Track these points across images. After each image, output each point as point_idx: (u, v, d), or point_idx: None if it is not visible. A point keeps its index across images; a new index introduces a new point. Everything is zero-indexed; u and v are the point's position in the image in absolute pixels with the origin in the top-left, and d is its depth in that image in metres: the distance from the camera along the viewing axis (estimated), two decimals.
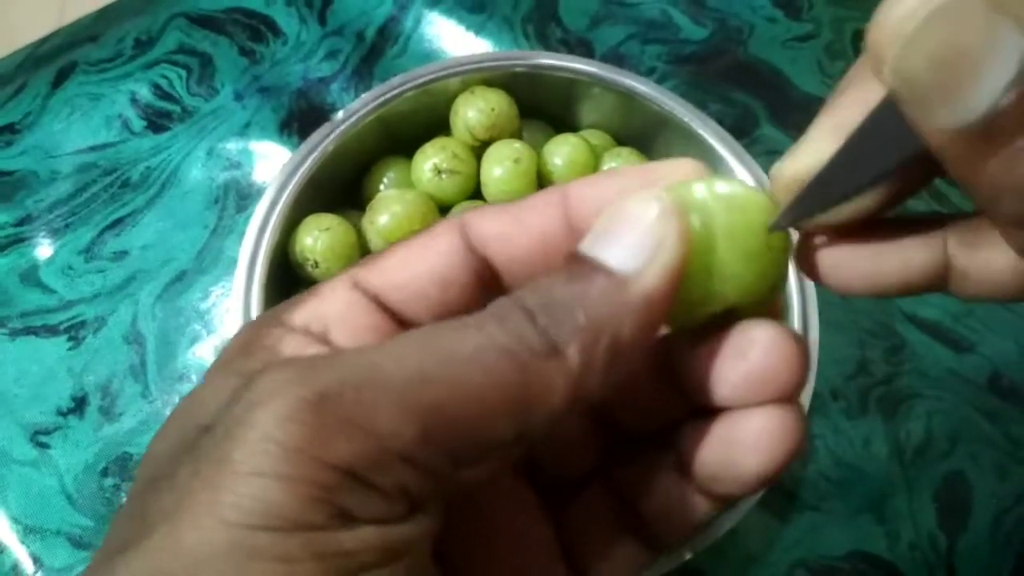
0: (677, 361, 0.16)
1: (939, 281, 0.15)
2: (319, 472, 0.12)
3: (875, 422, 0.39)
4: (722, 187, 0.15)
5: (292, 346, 0.15)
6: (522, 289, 0.14)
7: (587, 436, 0.18)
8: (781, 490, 0.37)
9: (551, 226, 0.16)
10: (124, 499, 0.36)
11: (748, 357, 0.15)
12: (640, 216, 0.14)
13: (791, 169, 0.15)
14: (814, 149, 0.15)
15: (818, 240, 0.16)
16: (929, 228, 0.15)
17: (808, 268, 0.16)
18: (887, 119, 0.13)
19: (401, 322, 0.16)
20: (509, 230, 0.16)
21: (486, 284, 0.17)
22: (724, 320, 0.15)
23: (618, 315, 0.14)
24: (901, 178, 0.15)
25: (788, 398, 0.15)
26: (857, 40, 0.49)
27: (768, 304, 0.16)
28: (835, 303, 0.41)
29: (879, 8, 0.12)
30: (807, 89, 0.47)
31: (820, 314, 0.34)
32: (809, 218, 0.15)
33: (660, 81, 0.47)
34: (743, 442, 0.15)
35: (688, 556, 0.31)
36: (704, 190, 0.15)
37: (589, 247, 0.14)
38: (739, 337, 0.15)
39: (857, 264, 0.15)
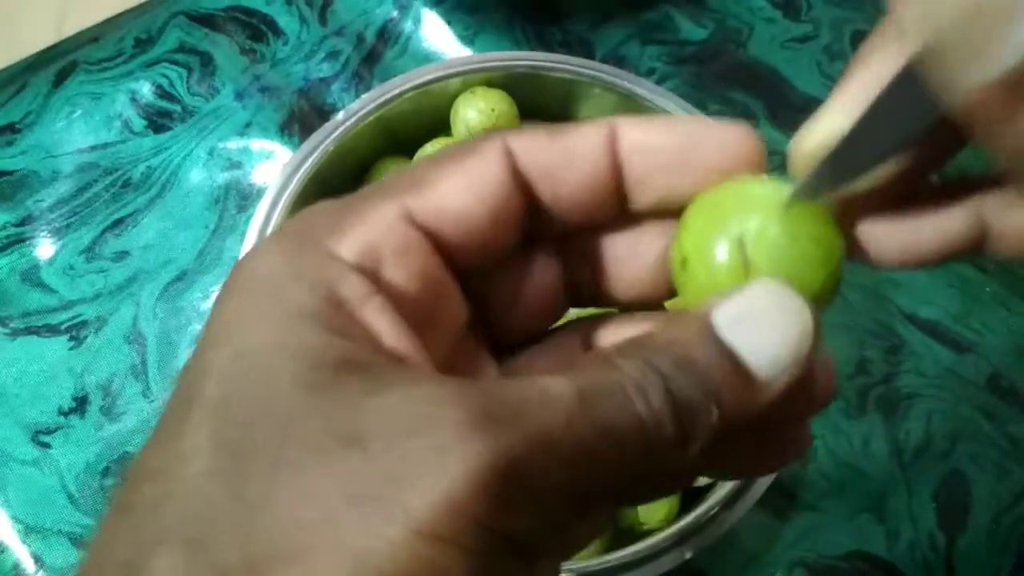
0: None
1: (977, 245, 0.15)
2: (493, 542, 0.11)
3: (874, 422, 0.39)
4: (780, 187, 0.15)
5: (354, 289, 0.13)
6: (663, 352, 0.13)
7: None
8: (781, 490, 0.37)
9: (599, 165, 0.15)
10: None
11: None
12: (788, 321, 0.13)
13: (810, 141, 0.15)
14: (832, 120, 0.15)
15: (854, 216, 0.16)
16: (963, 192, 0.15)
17: (847, 244, 0.16)
18: (906, 89, 0.13)
19: (447, 258, 0.15)
20: (559, 165, 0.15)
21: (525, 214, 0.16)
22: None
23: (743, 414, 0.13)
24: (921, 149, 0.14)
25: None
26: (857, 41, 0.49)
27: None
28: (834, 303, 0.41)
29: None
30: (806, 90, 0.47)
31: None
32: (829, 189, 0.15)
33: (660, 81, 0.47)
34: (774, 449, 0.16)
35: (688, 555, 0.31)
36: (766, 189, 0.15)
37: (728, 329, 0.13)
38: None
39: (894, 235, 0.15)
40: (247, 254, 0.14)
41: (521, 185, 0.15)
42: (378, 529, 0.11)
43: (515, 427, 0.12)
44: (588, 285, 0.18)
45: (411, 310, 0.14)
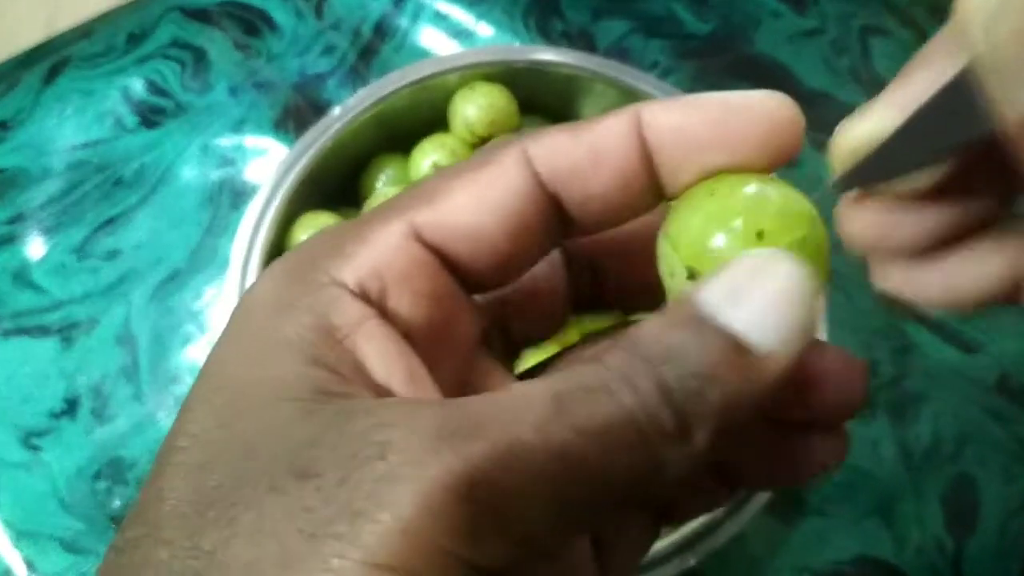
0: None
1: (1013, 296, 0.15)
2: (462, 572, 0.11)
3: (882, 424, 0.38)
4: (773, 189, 0.14)
5: (347, 315, 0.13)
6: (649, 343, 0.12)
7: None
8: (787, 494, 0.36)
9: (628, 159, 0.14)
10: (118, 503, 0.36)
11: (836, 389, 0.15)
12: (784, 286, 0.12)
13: (853, 135, 0.14)
14: (878, 118, 0.14)
15: (892, 254, 0.15)
16: (1006, 235, 0.15)
17: (883, 282, 0.15)
18: (956, 97, 0.12)
19: (459, 276, 0.14)
20: (586, 166, 0.14)
21: (551, 224, 0.15)
22: None
23: (749, 395, 0.12)
24: (965, 163, 0.14)
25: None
26: (864, 35, 0.49)
27: None
28: (841, 304, 0.40)
29: None
30: (812, 84, 0.47)
31: (827, 314, 0.34)
32: (864, 186, 0.15)
33: (663, 76, 0.46)
34: (804, 458, 0.15)
35: (693, 562, 0.30)
36: (758, 189, 0.14)
37: (718, 308, 0.12)
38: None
39: (933, 276, 0.15)
40: (252, 284, 0.14)
41: (544, 194, 0.14)
42: (330, 564, 0.10)
43: (476, 440, 0.11)
44: (590, 288, 0.17)
45: (419, 331, 0.14)
